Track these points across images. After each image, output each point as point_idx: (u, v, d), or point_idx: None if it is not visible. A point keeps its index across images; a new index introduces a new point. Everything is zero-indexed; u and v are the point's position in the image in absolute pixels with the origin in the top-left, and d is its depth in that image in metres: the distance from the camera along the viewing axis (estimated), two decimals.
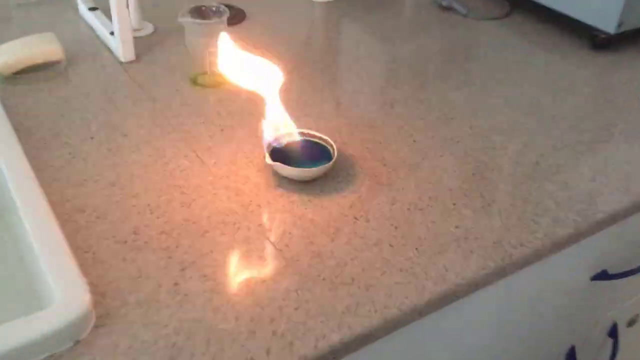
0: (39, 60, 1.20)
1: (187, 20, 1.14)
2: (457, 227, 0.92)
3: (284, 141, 1.00)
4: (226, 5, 1.35)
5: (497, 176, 1.03)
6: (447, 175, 1.02)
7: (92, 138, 1.05)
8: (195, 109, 1.15)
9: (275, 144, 1.00)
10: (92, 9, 1.38)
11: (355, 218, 0.92)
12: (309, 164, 0.98)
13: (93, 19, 1.36)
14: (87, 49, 1.31)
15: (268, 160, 0.96)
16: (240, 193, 0.95)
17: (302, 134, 1.03)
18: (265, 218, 0.91)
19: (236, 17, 1.47)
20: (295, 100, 1.20)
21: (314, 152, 1.00)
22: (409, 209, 0.95)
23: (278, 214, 0.92)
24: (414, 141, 1.10)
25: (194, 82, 1.22)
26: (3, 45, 1.20)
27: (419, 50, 1.41)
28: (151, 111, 1.13)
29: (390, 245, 0.88)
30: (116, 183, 0.96)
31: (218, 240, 0.87)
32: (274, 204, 0.94)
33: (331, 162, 0.97)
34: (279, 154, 0.99)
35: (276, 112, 1.01)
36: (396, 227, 0.91)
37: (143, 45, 1.33)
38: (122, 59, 1.27)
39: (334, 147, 1.00)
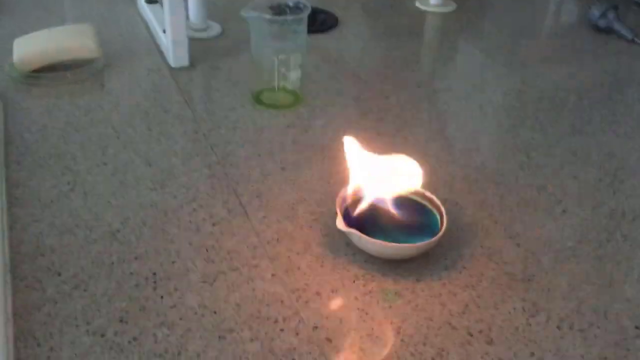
0: (66, 57, 0.93)
1: (252, 16, 0.83)
2: None
3: (368, 198, 0.67)
4: (319, 11, 1.04)
5: None
6: (621, 274, 0.65)
7: (104, 164, 0.76)
8: (252, 136, 0.84)
9: (353, 202, 0.67)
10: (151, 1, 1.11)
11: (470, 334, 0.57)
12: (402, 236, 0.64)
13: (149, 13, 1.10)
14: (135, 49, 1.04)
15: (340, 224, 0.63)
16: (291, 270, 0.63)
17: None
18: (324, 316, 0.58)
19: (327, 23, 1.16)
20: (389, 135, 0.86)
21: (411, 218, 0.66)
22: (559, 326, 0.58)
23: (346, 312, 0.59)
24: (564, 211, 0.73)
25: (258, 100, 0.91)
26: (25, 36, 0.94)
27: (567, 80, 1.04)
28: (192, 134, 0.83)
29: None
30: (117, 234, 0.65)
31: (245, 348, 0.54)
32: (340, 294, 0.60)
33: (437, 237, 0.63)
34: (358, 216, 0.66)
35: (362, 154, 0.67)
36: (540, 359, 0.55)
37: (203, 49, 1.04)
38: (173, 64, 0.98)
39: (443, 212, 0.66)
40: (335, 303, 0.60)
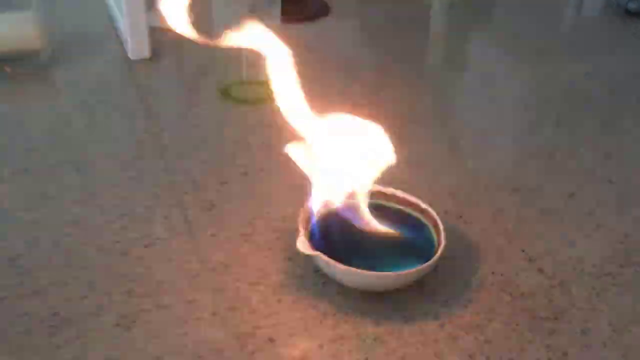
0: (4, 48, 0.80)
1: None
2: None
3: (343, 210, 0.51)
4: None
5: None
6: None
7: (25, 171, 0.62)
8: (213, 137, 0.69)
9: (323, 216, 0.52)
10: None
11: None
12: (386, 261, 0.48)
13: None
14: (93, 39, 0.90)
15: (302, 246, 0.47)
16: (239, 307, 0.47)
17: (379, 195, 0.54)
18: None
19: (317, 12, 1.02)
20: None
21: (399, 235, 0.51)
22: None
23: None
24: (598, 225, 0.58)
25: (226, 94, 0.77)
26: None
27: (595, 72, 0.88)
28: (141, 134, 0.69)
29: None
30: (16, 260, 0.51)
31: None
32: (302, 340, 0.45)
33: (433, 260, 0.47)
34: (329, 234, 0.50)
35: (336, 154, 0.52)
36: None
37: (168, 40, 0.90)
38: (131, 56, 0.84)
39: (440, 227, 0.50)
40: (295, 353, 0.44)
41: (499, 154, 0.68)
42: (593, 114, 0.77)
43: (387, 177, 0.60)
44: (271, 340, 0.45)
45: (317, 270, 0.50)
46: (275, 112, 0.73)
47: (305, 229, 0.49)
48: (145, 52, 0.85)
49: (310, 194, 0.51)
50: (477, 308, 0.48)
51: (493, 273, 0.51)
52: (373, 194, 0.53)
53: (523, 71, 0.89)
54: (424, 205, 0.52)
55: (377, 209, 0.52)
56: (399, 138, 0.68)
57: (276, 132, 0.69)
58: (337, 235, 0.50)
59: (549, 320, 0.47)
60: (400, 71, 0.86)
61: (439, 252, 0.48)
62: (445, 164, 0.66)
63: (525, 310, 0.48)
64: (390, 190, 0.54)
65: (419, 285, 0.49)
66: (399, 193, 0.54)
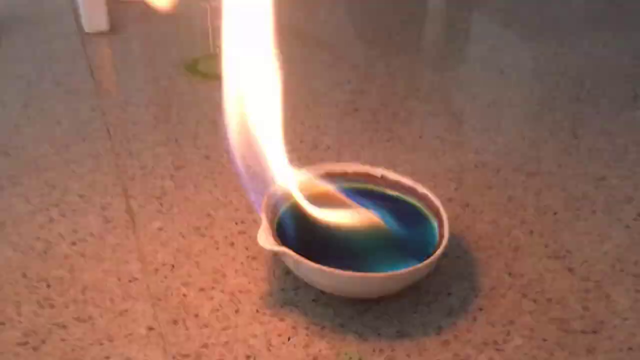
0: None
1: None
2: None
3: (322, 194, 0.40)
4: None
5: None
6: None
7: None
8: (172, 115, 0.59)
9: (294, 203, 0.41)
10: None
11: None
12: (375, 260, 0.38)
13: None
14: (47, 11, 0.79)
15: (264, 239, 0.36)
16: (184, 319, 0.37)
17: (365, 177, 0.43)
18: None
19: None
20: (371, 110, 0.60)
21: (392, 228, 0.40)
22: None
23: None
24: (639, 215, 0.47)
25: (193, 69, 0.66)
26: None
27: (624, 40, 0.77)
28: (87, 112, 0.58)
29: None
30: None
31: None
32: None
33: (433, 258, 0.36)
34: (305, 226, 0.40)
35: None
36: None
37: (131, 10, 0.79)
38: (87, 29, 0.74)
39: (443, 217, 0.39)
40: None
41: (511, 132, 0.58)
42: (623, 83, 0.66)
43: (377, 158, 0.49)
44: None
45: (288, 272, 0.40)
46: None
47: (271, 219, 0.39)
48: (103, 25, 0.74)
49: (278, 174, 0.40)
50: (492, 319, 0.37)
51: (510, 274, 0.41)
52: (358, 176, 0.43)
53: (537, 40, 0.78)
54: (422, 190, 0.42)
55: (363, 195, 0.41)
56: (393, 115, 0.57)
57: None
58: (314, 227, 0.39)
59: (585, 334, 0.36)
60: (396, 46, 0.75)
61: (441, 247, 0.37)
62: (445, 144, 0.55)
63: (554, 321, 0.37)
64: (379, 171, 0.43)
65: (415, 290, 0.38)
66: (391, 175, 0.43)
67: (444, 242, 0.37)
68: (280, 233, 0.38)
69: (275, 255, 0.40)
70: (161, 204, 0.46)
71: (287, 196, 0.40)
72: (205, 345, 0.35)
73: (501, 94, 0.64)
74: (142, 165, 0.50)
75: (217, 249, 0.42)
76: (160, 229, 0.44)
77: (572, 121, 0.59)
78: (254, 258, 0.41)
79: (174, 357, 0.34)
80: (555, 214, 0.46)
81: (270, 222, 0.38)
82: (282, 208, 0.40)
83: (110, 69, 0.67)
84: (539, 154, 0.54)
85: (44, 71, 0.65)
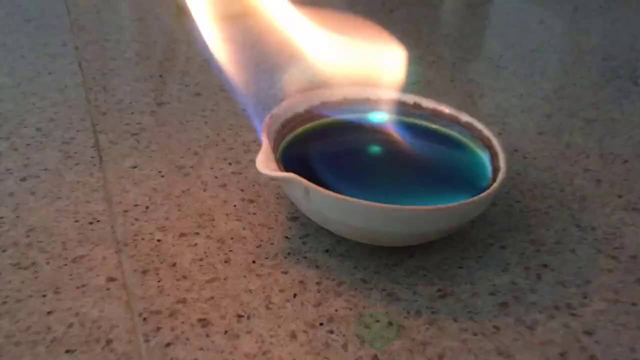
0: None
1: None
2: None
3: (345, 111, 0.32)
4: None
5: None
6: None
7: None
8: (158, 52, 0.50)
9: (303, 121, 0.32)
10: None
11: None
12: (412, 194, 0.29)
13: None
14: None
15: (264, 164, 0.27)
16: (161, 269, 0.28)
17: (396, 105, 0.34)
18: None
19: None
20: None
21: (428, 159, 0.31)
22: None
23: None
24: None
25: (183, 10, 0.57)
26: None
27: None
28: (58, 47, 0.50)
29: None
30: None
31: None
32: (264, 324, 0.25)
33: (489, 192, 0.27)
34: (315, 151, 0.31)
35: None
36: None
37: None
38: None
39: (497, 149, 0.30)
40: (245, 349, 0.24)
41: (560, 78, 0.49)
42: None
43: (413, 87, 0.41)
44: (203, 323, 0.25)
45: (295, 219, 0.31)
46: (250, 27, 0.53)
47: (275, 141, 0.30)
48: None
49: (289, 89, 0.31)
50: (561, 278, 0.28)
51: (579, 227, 0.32)
52: (383, 104, 0.34)
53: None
54: (465, 118, 0.33)
55: (392, 127, 0.32)
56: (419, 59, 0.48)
57: (248, 47, 0.50)
58: (332, 157, 0.30)
59: None
60: None
61: (499, 179, 0.28)
62: (486, 88, 0.46)
63: None
64: (412, 98, 0.34)
65: (459, 241, 0.30)
66: (426, 102, 0.34)
67: (501, 175, 0.28)
68: (287, 163, 0.29)
69: (276, 181, 0.31)
70: (137, 141, 0.37)
71: (298, 118, 0.31)
72: (182, 301, 0.26)
73: (544, 42, 0.56)
74: (117, 100, 0.42)
75: (205, 190, 0.33)
76: (134, 166, 0.35)
77: (631, 70, 0.50)
78: (251, 201, 0.32)
79: (140, 314, 0.25)
80: (625, 162, 0.38)
81: (274, 147, 0.29)
82: (291, 133, 0.31)
83: (90, 6, 0.59)
84: (595, 99, 0.45)
85: (12, 7, 0.56)
